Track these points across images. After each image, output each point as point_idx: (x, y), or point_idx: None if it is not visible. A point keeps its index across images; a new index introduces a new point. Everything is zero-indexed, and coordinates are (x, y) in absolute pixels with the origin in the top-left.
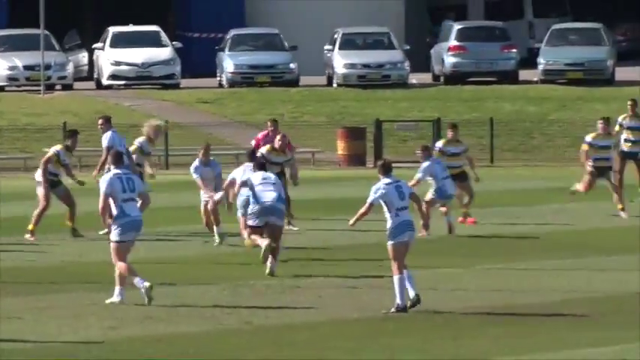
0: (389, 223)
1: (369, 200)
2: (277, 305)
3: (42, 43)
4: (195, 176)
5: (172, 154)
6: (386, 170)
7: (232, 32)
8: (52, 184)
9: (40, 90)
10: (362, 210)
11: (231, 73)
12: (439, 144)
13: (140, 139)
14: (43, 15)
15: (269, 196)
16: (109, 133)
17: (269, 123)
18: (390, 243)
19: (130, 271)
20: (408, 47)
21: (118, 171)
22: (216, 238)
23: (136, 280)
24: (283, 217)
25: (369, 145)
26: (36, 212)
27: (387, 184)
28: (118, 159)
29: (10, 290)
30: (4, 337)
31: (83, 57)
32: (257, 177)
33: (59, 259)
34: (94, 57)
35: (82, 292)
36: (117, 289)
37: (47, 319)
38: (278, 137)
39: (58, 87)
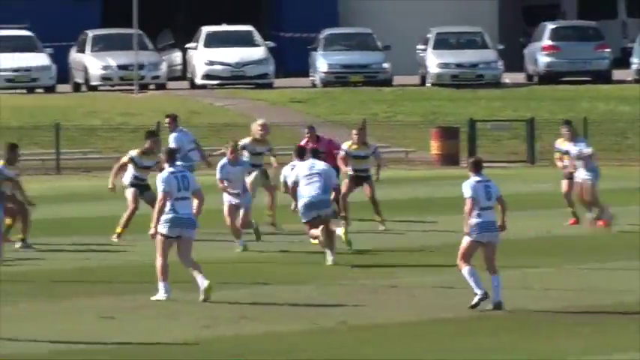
0: (470, 222)
1: (467, 196)
2: (371, 304)
3: (135, 43)
4: (218, 176)
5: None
6: (477, 168)
7: (325, 32)
8: (141, 188)
9: (133, 89)
10: (466, 209)
11: (325, 72)
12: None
13: (245, 140)
14: (137, 15)
15: (312, 189)
16: (174, 134)
17: (306, 130)
18: (467, 239)
19: (163, 271)
20: (502, 47)
21: (173, 169)
22: (239, 245)
23: (162, 285)
24: (330, 205)
25: (463, 145)
26: (125, 215)
27: (476, 182)
28: (172, 157)
29: (103, 289)
30: (97, 337)
31: (177, 57)
32: (303, 168)
33: (149, 259)
34: (188, 56)
35: (176, 292)
36: (161, 285)
37: (140, 318)
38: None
39: (151, 86)
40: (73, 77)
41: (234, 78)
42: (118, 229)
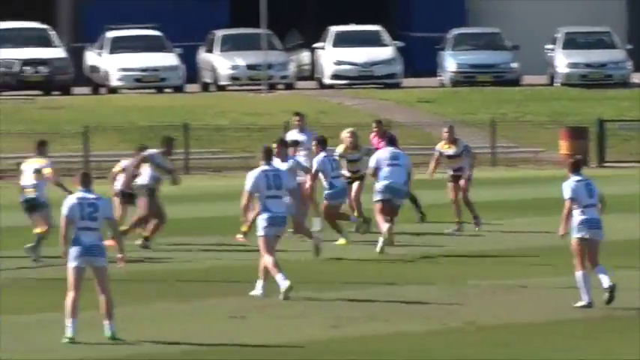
0: (574, 220)
1: (566, 197)
2: (499, 305)
3: (264, 43)
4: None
5: None
6: (575, 168)
7: (454, 31)
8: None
9: (262, 89)
10: (565, 211)
11: (453, 72)
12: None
13: (339, 149)
14: (265, 14)
15: (395, 176)
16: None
17: (374, 124)
18: (573, 238)
19: (275, 267)
20: (630, 47)
21: (266, 167)
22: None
23: (279, 277)
24: (404, 197)
25: (592, 145)
26: (252, 214)
27: (576, 182)
28: (268, 155)
29: (233, 289)
30: (227, 337)
31: (305, 56)
32: (385, 153)
33: (279, 258)
34: (315, 56)
35: (303, 291)
36: (260, 282)
37: (269, 318)
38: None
39: (279, 86)
40: (202, 77)
41: (362, 78)
42: (244, 228)
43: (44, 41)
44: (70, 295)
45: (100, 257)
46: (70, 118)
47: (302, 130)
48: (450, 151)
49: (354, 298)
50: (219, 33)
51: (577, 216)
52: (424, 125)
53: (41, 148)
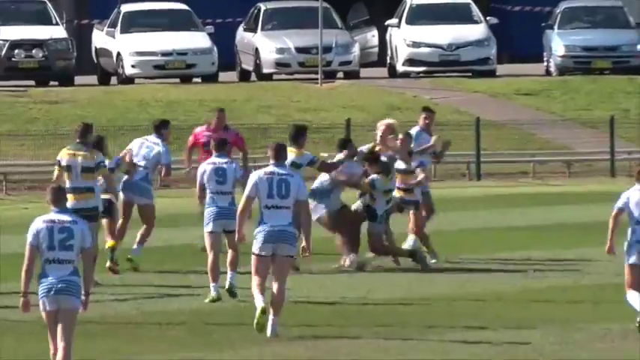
0: (627, 239)
1: (616, 206)
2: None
3: (320, 19)
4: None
5: (485, 161)
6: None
7: (563, 5)
8: None
9: (317, 79)
10: (610, 224)
11: (561, 57)
12: None
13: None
14: None
15: None
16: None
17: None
18: (625, 262)
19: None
20: None
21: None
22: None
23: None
24: None
25: None
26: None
27: (638, 190)
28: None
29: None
30: None
31: (373, 36)
32: None
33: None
34: (387, 36)
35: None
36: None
37: None
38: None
39: (339, 74)
40: (240, 63)
41: (445, 64)
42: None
43: (39, 18)
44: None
45: (70, 297)
46: (71, 115)
47: (427, 130)
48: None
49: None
50: (264, 7)
51: (629, 234)
52: (524, 125)
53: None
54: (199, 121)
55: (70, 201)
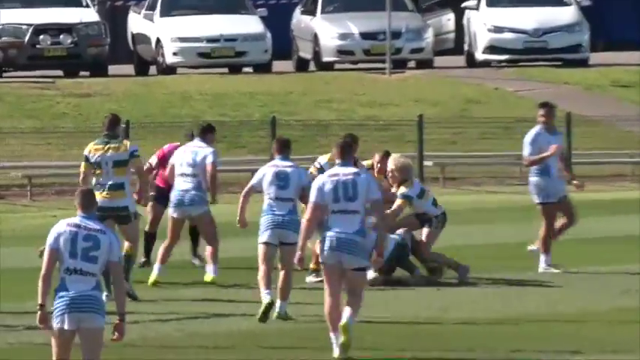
0: None
1: None
2: None
3: (389, 0)
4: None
5: (577, 162)
6: None
7: None
8: None
9: (384, 68)
10: None
11: None
12: None
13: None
14: None
15: None
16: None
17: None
18: None
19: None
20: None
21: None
22: None
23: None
24: None
25: None
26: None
27: None
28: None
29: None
30: None
31: (448, 20)
32: None
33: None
34: (464, 20)
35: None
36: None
37: None
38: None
39: (410, 64)
40: (297, 50)
41: (530, 51)
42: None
43: None
44: None
45: (94, 314)
46: (104, 109)
47: (550, 130)
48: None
49: None
50: None
51: None
52: (622, 121)
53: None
54: (251, 117)
55: (98, 199)
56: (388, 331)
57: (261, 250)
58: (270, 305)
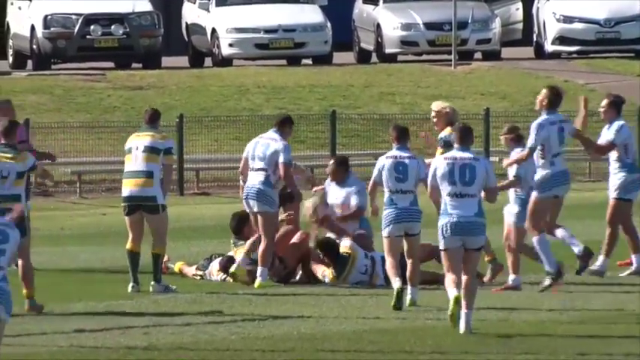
0: None
1: None
2: None
3: None
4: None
5: None
6: None
7: None
8: None
9: (450, 60)
10: None
11: None
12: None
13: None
14: None
15: None
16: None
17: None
18: None
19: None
20: None
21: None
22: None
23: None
24: None
25: None
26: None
27: None
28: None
29: None
30: None
31: (516, 10)
32: None
33: None
34: (533, 10)
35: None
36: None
37: None
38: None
39: (477, 55)
40: (359, 41)
41: (602, 42)
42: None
43: None
44: None
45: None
46: (157, 103)
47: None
48: None
49: None
50: None
51: None
52: None
53: None
54: (310, 110)
55: (125, 188)
56: (450, 333)
57: (386, 243)
58: (401, 291)
